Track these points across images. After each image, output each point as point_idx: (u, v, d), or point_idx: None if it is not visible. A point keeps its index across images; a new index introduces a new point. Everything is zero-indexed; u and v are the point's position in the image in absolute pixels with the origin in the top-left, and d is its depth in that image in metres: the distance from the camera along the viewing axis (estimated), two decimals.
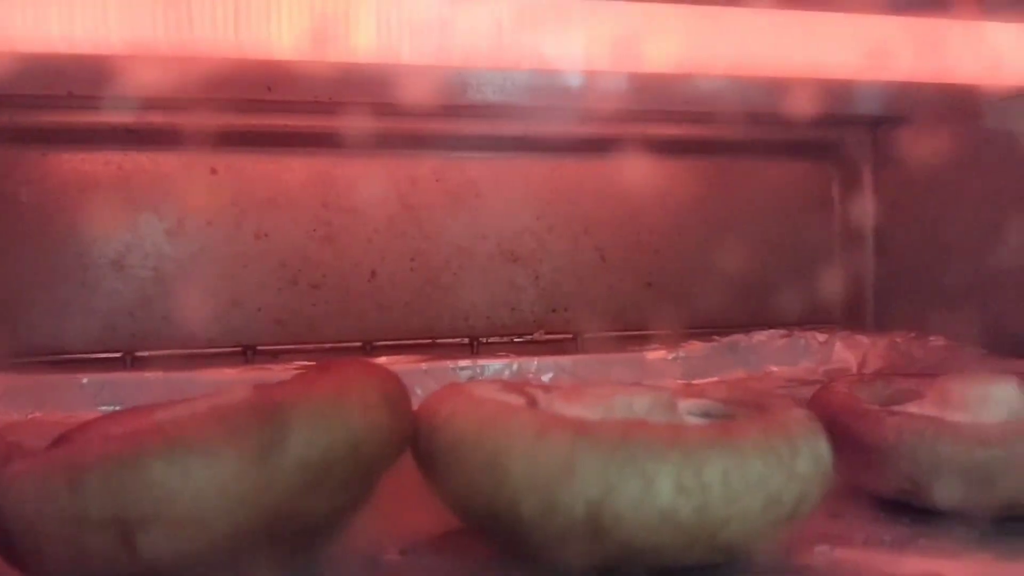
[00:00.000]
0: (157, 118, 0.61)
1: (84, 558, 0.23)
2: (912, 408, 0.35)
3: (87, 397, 0.52)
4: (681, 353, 0.61)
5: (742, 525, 0.25)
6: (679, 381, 0.60)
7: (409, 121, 0.64)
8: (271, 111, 0.62)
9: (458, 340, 0.68)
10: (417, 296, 0.68)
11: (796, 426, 0.28)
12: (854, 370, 0.62)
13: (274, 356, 0.63)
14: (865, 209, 0.75)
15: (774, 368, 0.63)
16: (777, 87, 0.57)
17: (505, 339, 0.69)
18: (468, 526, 0.30)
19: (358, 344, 0.66)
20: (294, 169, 0.66)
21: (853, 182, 0.76)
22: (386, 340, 0.66)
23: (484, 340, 0.68)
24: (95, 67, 0.50)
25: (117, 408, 0.50)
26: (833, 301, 0.76)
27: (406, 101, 0.55)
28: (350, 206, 0.67)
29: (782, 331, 0.64)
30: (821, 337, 0.64)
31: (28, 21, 0.45)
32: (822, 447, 0.28)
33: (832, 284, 0.76)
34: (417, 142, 0.67)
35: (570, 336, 0.70)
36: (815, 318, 0.71)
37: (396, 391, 0.29)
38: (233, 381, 0.52)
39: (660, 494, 0.25)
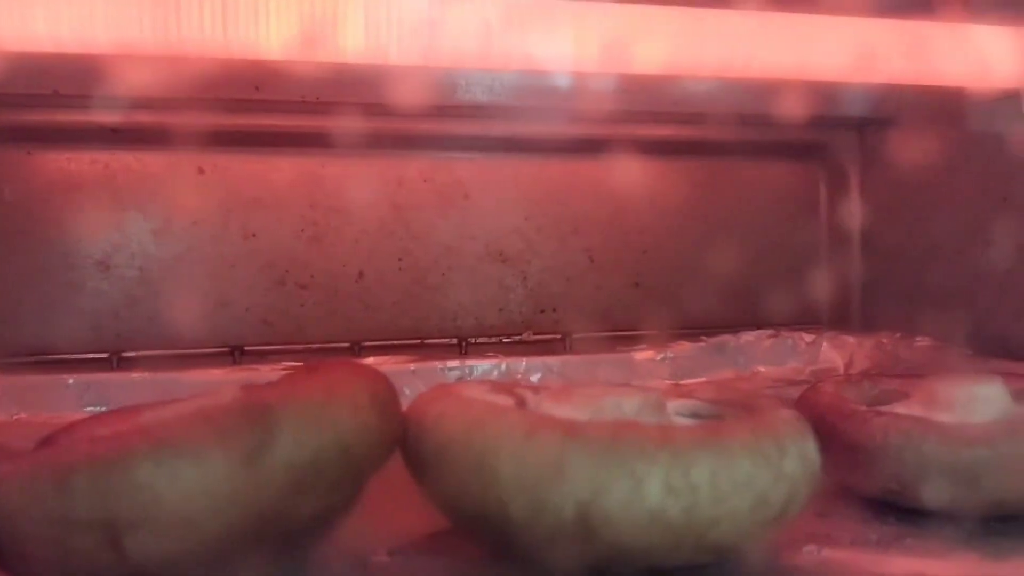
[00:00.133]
0: (144, 117, 0.60)
1: (71, 560, 0.23)
2: (899, 408, 0.36)
3: (73, 398, 0.52)
4: (669, 354, 0.61)
5: (731, 525, 0.25)
6: (667, 381, 0.60)
7: (397, 122, 0.64)
8: (259, 111, 0.62)
9: (446, 341, 0.68)
10: (405, 297, 0.68)
11: (784, 427, 0.28)
12: (841, 370, 0.62)
13: (261, 357, 0.62)
14: (852, 210, 0.75)
15: (762, 368, 0.63)
16: (765, 89, 0.57)
17: (493, 340, 0.69)
18: (457, 527, 0.30)
19: (346, 345, 0.65)
20: (282, 169, 0.66)
21: (840, 184, 0.77)
22: (374, 341, 0.66)
23: (472, 341, 0.68)
24: (81, 66, 0.50)
25: (103, 409, 0.49)
26: (820, 302, 0.77)
27: (394, 102, 0.54)
28: (338, 206, 0.66)
29: (769, 331, 0.64)
30: (808, 338, 0.64)
31: (14, 20, 0.45)
32: (810, 447, 0.28)
33: (819, 285, 0.76)
34: (405, 143, 0.67)
35: (558, 337, 0.70)
36: (802, 319, 0.71)
37: (385, 392, 0.29)
38: (220, 382, 0.52)
39: (649, 495, 0.25)
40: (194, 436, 0.23)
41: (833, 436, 0.33)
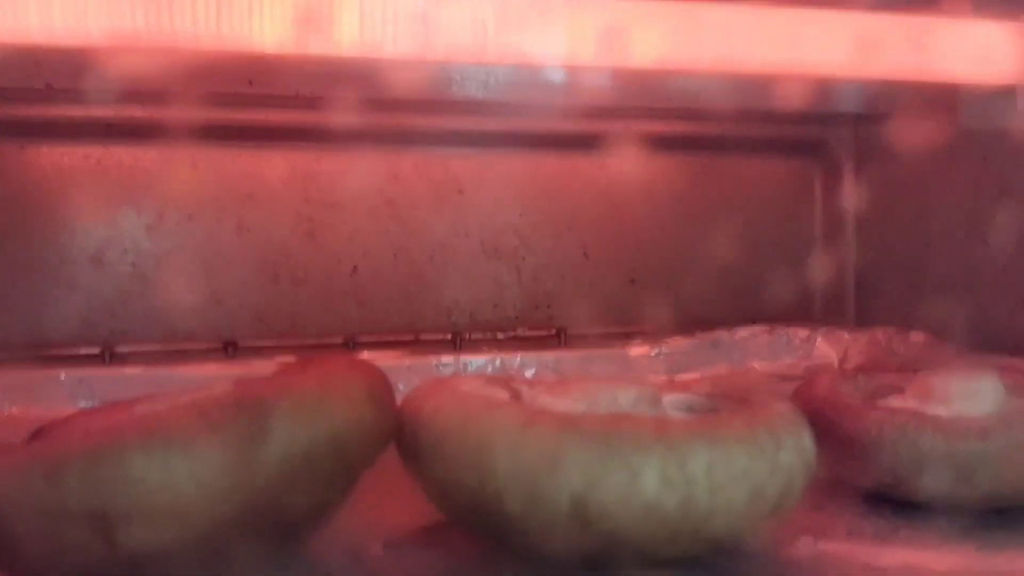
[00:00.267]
0: (137, 112, 0.60)
1: (62, 552, 0.23)
2: (894, 402, 0.36)
3: (65, 393, 0.52)
4: (664, 349, 0.61)
5: (727, 518, 0.25)
6: (662, 377, 0.60)
7: (392, 117, 0.64)
8: (252, 105, 0.62)
9: (441, 336, 0.67)
10: (400, 292, 0.68)
11: (780, 419, 0.28)
12: (835, 366, 0.62)
13: (255, 352, 0.62)
14: (847, 206, 0.75)
15: (756, 364, 0.63)
16: (760, 84, 0.57)
17: (488, 335, 0.68)
18: (452, 520, 0.30)
19: (340, 340, 0.65)
20: (275, 164, 0.65)
21: (835, 178, 0.77)
22: (368, 336, 0.66)
23: (467, 336, 0.68)
24: (74, 59, 0.50)
25: (95, 404, 0.49)
26: (815, 297, 0.77)
27: (389, 96, 0.54)
28: (332, 201, 0.66)
29: (764, 327, 0.64)
30: (803, 333, 0.64)
31: (5, 11, 0.44)
32: (806, 440, 0.28)
33: (814, 280, 0.77)
34: (400, 138, 0.67)
35: (553, 332, 0.70)
36: (797, 314, 0.71)
37: (380, 386, 0.29)
38: (214, 377, 0.52)
39: (645, 487, 0.25)
40: (187, 428, 0.23)
41: (828, 430, 0.33)
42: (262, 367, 0.52)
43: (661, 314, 0.67)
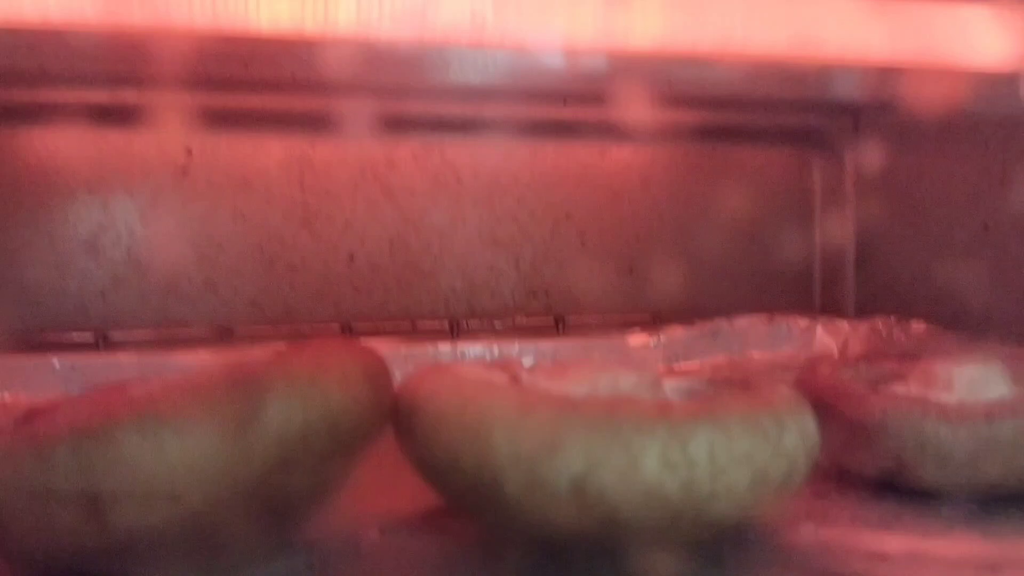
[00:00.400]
0: (131, 96, 0.59)
1: (52, 533, 0.23)
2: (896, 389, 0.35)
3: (58, 379, 0.51)
4: (663, 338, 0.61)
5: (729, 501, 0.25)
6: (661, 366, 0.59)
7: (389, 103, 0.63)
8: (248, 90, 0.61)
9: (438, 324, 0.67)
10: (396, 280, 0.67)
11: (783, 402, 0.27)
12: (836, 355, 0.62)
13: (251, 339, 0.62)
14: (847, 194, 0.75)
15: (756, 354, 0.62)
16: (760, 72, 0.56)
17: (485, 324, 0.68)
18: (450, 504, 0.30)
19: (336, 328, 0.65)
20: (271, 150, 0.65)
21: (835, 168, 0.76)
22: (365, 324, 0.65)
23: (464, 324, 0.67)
24: (68, 41, 0.49)
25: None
26: (814, 286, 0.76)
27: (387, 81, 0.54)
28: (328, 188, 0.66)
29: (764, 316, 0.64)
30: (803, 323, 0.64)
31: None
32: (809, 423, 0.27)
33: (813, 269, 0.76)
34: (397, 125, 0.66)
35: (551, 321, 0.69)
36: (797, 303, 0.71)
37: (376, 367, 0.28)
38: (209, 364, 0.52)
39: (646, 469, 0.24)
40: (180, 408, 0.23)
41: (831, 415, 0.32)
42: (257, 354, 0.52)
43: (659, 303, 0.67)
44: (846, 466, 0.34)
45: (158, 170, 0.62)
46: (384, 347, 0.55)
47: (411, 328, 0.66)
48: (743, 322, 0.63)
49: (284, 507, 0.26)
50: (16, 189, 0.60)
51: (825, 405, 0.33)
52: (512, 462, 0.25)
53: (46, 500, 0.22)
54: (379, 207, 0.67)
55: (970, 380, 0.34)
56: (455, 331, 0.66)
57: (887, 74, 0.58)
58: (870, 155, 0.73)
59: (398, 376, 0.31)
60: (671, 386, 0.33)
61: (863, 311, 0.71)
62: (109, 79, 0.56)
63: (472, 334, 0.65)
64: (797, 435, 0.26)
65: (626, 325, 0.63)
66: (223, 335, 0.62)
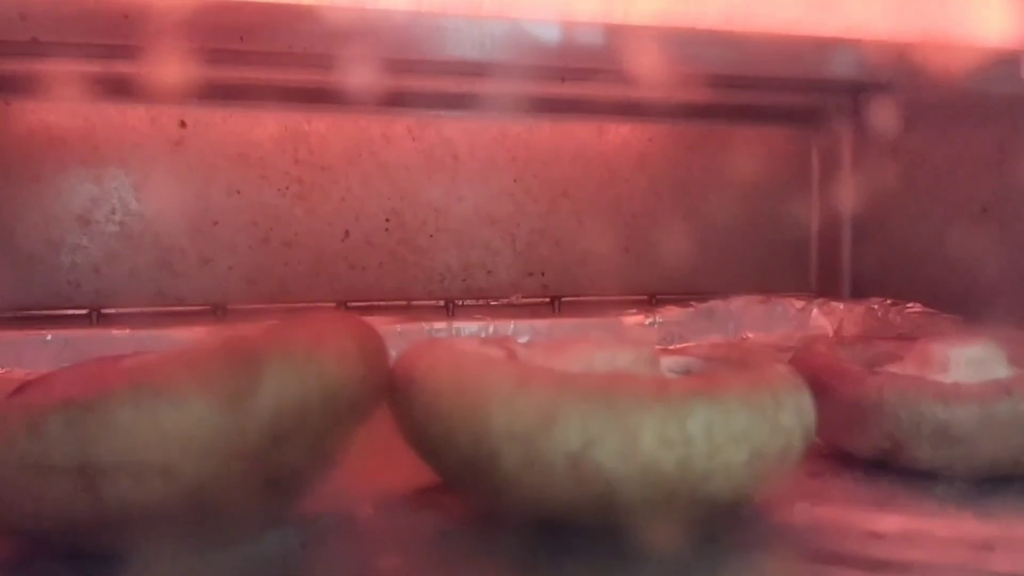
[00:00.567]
0: (125, 68, 0.59)
1: (44, 506, 0.22)
2: (893, 369, 0.35)
3: (51, 354, 0.51)
4: (658, 318, 0.61)
5: (725, 478, 0.25)
6: (657, 346, 0.59)
7: (385, 77, 0.62)
8: (243, 63, 0.60)
9: (433, 303, 0.67)
10: (392, 257, 0.67)
11: (779, 380, 0.27)
12: (831, 336, 0.62)
13: (244, 315, 0.61)
14: (844, 176, 0.75)
15: (751, 334, 0.63)
16: (759, 50, 0.56)
17: (481, 302, 0.68)
18: (446, 480, 0.29)
19: (331, 305, 0.65)
20: (266, 125, 0.64)
21: (833, 148, 0.76)
22: (359, 301, 0.65)
23: (460, 303, 0.67)
24: (61, 11, 0.49)
25: None
26: (810, 267, 0.76)
27: (383, 55, 0.53)
28: (323, 164, 0.65)
29: (759, 297, 0.64)
30: (798, 303, 0.64)
31: None
32: (805, 401, 0.27)
33: (810, 250, 0.76)
34: (393, 99, 0.65)
35: (547, 300, 0.69)
36: (792, 284, 0.71)
37: (372, 341, 0.28)
38: (202, 339, 0.51)
39: (643, 446, 0.24)
40: (175, 379, 0.23)
41: (827, 395, 0.32)
42: (253, 328, 0.51)
43: (656, 283, 0.66)
44: (842, 446, 0.34)
45: (152, 143, 0.62)
46: (379, 324, 0.55)
47: (407, 306, 0.66)
48: (739, 302, 0.63)
49: (278, 481, 0.26)
50: (8, 162, 0.59)
51: (821, 384, 0.33)
52: (509, 437, 0.25)
53: (38, 472, 0.22)
54: (374, 183, 0.66)
55: (967, 361, 0.34)
56: (451, 310, 0.66)
57: (887, 52, 0.58)
58: (869, 135, 0.73)
59: (393, 354, 0.31)
60: (668, 364, 0.33)
61: (859, 292, 0.71)
62: (102, 50, 0.56)
63: (467, 312, 0.65)
64: (794, 413, 0.26)
65: (622, 304, 0.63)
66: (217, 311, 0.61)
